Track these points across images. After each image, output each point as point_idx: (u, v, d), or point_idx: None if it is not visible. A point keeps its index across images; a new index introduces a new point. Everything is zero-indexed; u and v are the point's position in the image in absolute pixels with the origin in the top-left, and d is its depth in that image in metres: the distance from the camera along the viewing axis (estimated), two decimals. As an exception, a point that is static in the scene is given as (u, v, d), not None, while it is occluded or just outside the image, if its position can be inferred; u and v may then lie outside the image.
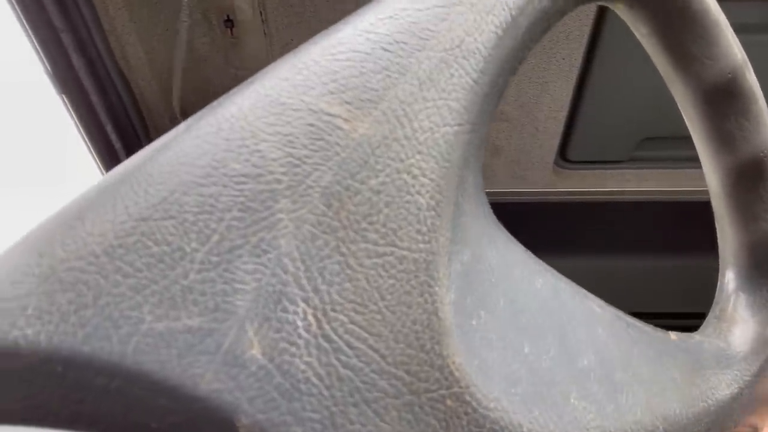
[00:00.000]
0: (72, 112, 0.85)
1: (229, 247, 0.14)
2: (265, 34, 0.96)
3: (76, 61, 0.80)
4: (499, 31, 0.18)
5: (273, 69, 0.18)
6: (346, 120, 0.16)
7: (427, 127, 0.17)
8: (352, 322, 0.14)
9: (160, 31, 0.89)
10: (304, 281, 0.14)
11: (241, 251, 0.14)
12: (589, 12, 0.92)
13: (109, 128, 0.89)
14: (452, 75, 0.17)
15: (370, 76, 0.17)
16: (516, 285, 0.20)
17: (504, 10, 0.18)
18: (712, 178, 0.24)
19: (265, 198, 0.15)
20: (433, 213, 0.16)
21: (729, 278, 0.25)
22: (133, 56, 0.86)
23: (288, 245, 0.14)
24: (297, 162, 0.15)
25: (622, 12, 0.23)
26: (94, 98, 0.85)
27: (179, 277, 0.13)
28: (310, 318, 0.14)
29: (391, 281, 0.15)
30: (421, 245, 0.16)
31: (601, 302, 0.21)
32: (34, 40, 0.76)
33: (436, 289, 0.16)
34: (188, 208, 0.14)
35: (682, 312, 1.30)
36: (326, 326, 0.14)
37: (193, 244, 0.14)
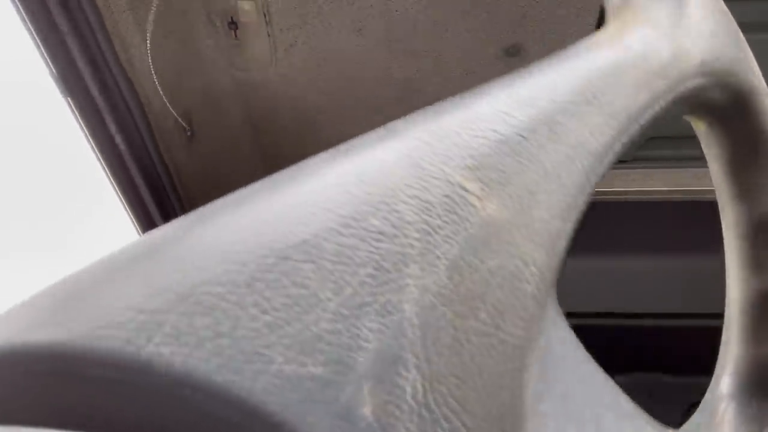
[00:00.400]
0: (76, 114, 0.85)
1: (359, 302, 0.14)
2: (268, 36, 0.96)
3: (81, 63, 0.81)
4: (618, 135, 0.20)
5: (409, 127, 0.18)
6: (478, 197, 0.16)
7: (544, 217, 0.17)
8: (452, 396, 0.15)
9: (164, 33, 0.89)
10: (419, 348, 0.15)
11: (368, 309, 0.14)
12: (592, 11, 0.91)
13: (113, 130, 0.89)
14: (572, 172, 0.18)
15: (504, 159, 0.17)
16: (570, 374, 0.20)
17: (626, 116, 0.20)
18: (735, 294, 0.24)
19: (398, 260, 0.15)
20: (534, 302, 0.17)
21: (724, 383, 0.25)
22: (137, 58, 0.86)
23: (410, 311, 0.15)
24: (430, 230, 0.16)
25: (699, 130, 0.24)
26: (99, 100, 0.85)
27: (311, 324, 0.14)
28: (419, 386, 0.14)
29: (490, 361, 0.16)
30: (521, 332, 0.16)
31: (628, 400, 0.22)
32: (39, 43, 0.76)
33: (525, 375, 0.16)
34: (327, 255, 0.15)
35: (687, 312, 1.30)
36: (429, 396, 0.14)
37: (328, 293, 0.14)
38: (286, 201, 0.16)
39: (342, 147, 0.18)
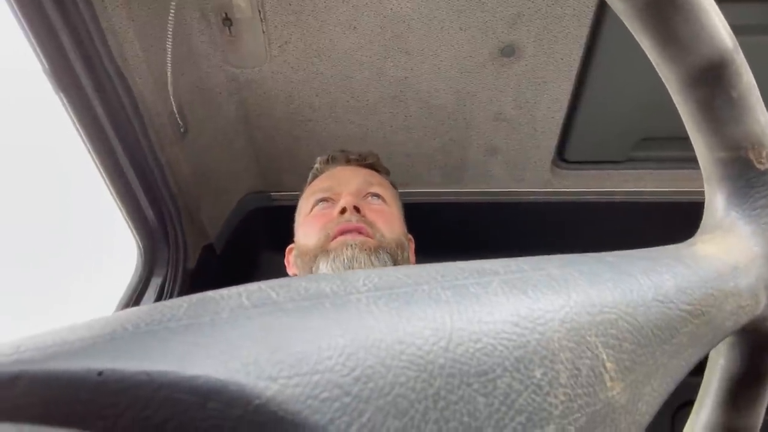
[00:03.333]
0: (69, 110, 0.85)
1: None
2: (263, 32, 0.96)
3: (74, 59, 0.80)
4: (708, 348, 0.22)
5: (570, 284, 0.19)
6: (611, 378, 0.18)
7: (644, 410, 0.19)
8: None
9: (158, 29, 0.89)
10: None
11: None
12: (587, 12, 0.92)
13: (106, 126, 0.89)
14: (676, 370, 0.20)
15: (636, 349, 0.19)
16: None
17: (720, 335, 0.22)
18: (671, 82, 0.24)
19: (543, 417, 0.16)
20: None
21: (719, 198, 0.25)
22: (131, 54, 0.86)
23: None
24: (573, 396, 0.17)
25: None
26: (92, 96, 0.85)
27: None
28: None
29: None
30: None
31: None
32: (32, 38, 0.76)
33: None
34: (498, 394, 0.16)
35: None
36: None
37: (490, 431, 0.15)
38: (469, 319, 0.17)
39: (503, 271, 0.19)
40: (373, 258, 0.82)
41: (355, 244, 0.82)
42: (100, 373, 0.13)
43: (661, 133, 1.11)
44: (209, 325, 0.15)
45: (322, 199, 0.93)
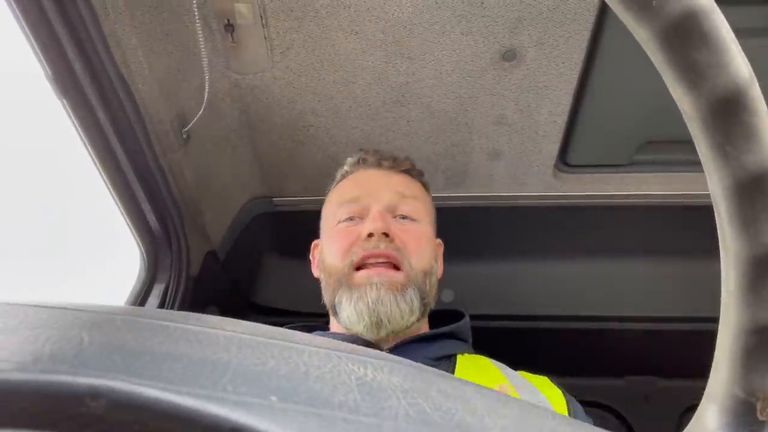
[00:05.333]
0: (72, 117, 0.85)
1: None
2: (265, 38, 0.96)
3: (77, 65, 0.80)
4: None
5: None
6: None
7: None
8: None
9: (160, 36, 0.89)
10: None
11: None
12: (588, 16, 0.92)
13: (109, 133, 0.89)
14: None
15: None
16: None
17: None
18: (728, 324, 0.24)
19: None
20: None
21: (710, 416, 0.24)
22: (133, 61, 0.86)
23: None
24: None
25: None
26: (95, 102, 0.85)
27: None
28: None
29: None
30: None
31: None
32: (35, 44, 0.76)
33: None
34: None
35: (682, 316, 1.30)
36: None
37: None
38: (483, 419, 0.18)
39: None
40: (399, 299, 0.80)
41: (381, 284, 0.80)
42: None
43: (665, 137, 1.11)
44: None
45: (350, 217, 0.90)
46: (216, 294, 1.20)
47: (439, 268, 0.94)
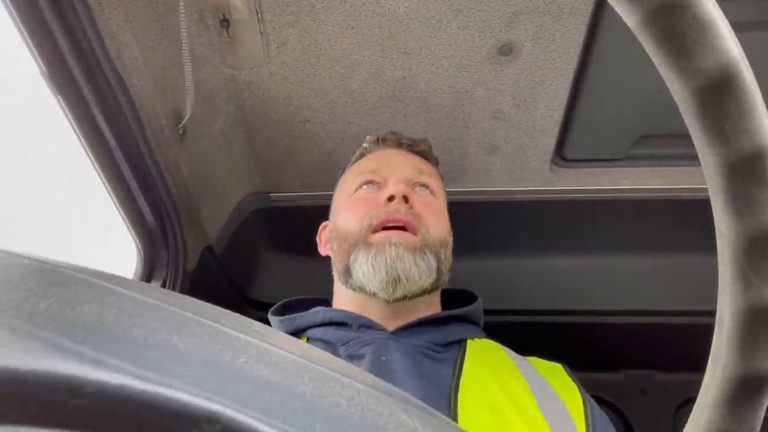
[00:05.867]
0: (67, 113, 0.85)
1: None
2: (261, 33, 0.96)
3: (71, 61, 0.80)
4: None
5: None
6: None
7: None
8: None
9: (155, 31, 0.89)
10: None
11: None
12: (585, 10, 0.92)
13: (104, 128, 0.89)
14: None
15: None
16: None
17: None
18: (726, 307, 0.23)
19: None
20: None
21: (711, 399, 0.24)
22: (128, 56, 0.86)
23: None
24: None
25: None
26: (90, 98, 0.85)
27: None
28: None
29: None
30: None
31: None
32: (29, 40, 0.76)
33: None
34: None
35: (679, 310, 1.30)
36: None
37: None
38: None
39: None
40: (417, 259, 0.79)
41: (400, 243, 0.78)
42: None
43: (660, 131, 1.11)
44: None
45: (369, 181, 0.89)
46: (213, 289, 1.20)
47: (450, 256, 0.93)
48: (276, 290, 1.36)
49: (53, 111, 0.84)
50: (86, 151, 0.90)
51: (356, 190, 0.90)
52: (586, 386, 0.81)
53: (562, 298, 1.34)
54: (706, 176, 0.22)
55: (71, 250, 1.20)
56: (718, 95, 0.20)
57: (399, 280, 0.78)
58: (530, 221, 1.29)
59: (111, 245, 1.15)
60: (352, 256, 0.81)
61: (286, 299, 0.94)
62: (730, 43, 0.20)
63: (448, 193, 1.04)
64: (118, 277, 0.19)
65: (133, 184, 0.96)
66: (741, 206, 0.20)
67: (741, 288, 0.21)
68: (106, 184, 0.95)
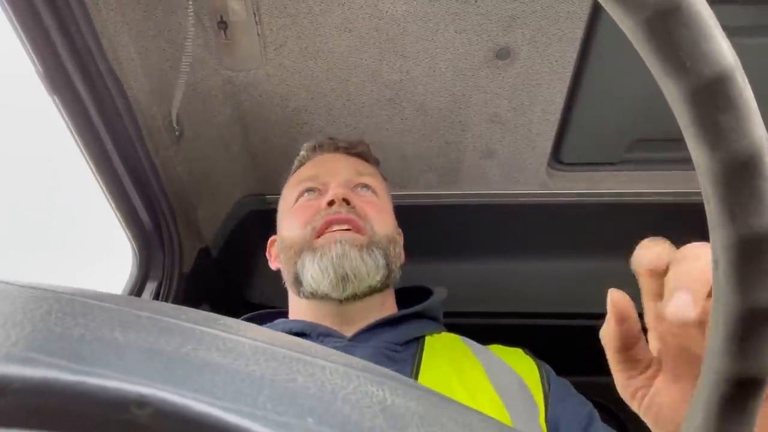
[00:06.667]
0: (63, 113, 0.85)
1: None
2: (258, 35, 0.96)
3: (68, 61, 0.80)
4: None
5: None
6: None
7: None
8: None
9: (152, 32, 0.89)
10: None
11: None
12: (581, 14, 0.92)
13: (101, 129, 0.89)
14: None
15: None
16: None
17: None
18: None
19: None
20: None
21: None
22: (125, 57, 0.86)
23: None
24: None
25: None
26: (86, 98, 0.84)
27: None
28: None
29: None
30: None
31: None
32: (25, 40, 0.75)
33: None
34: None
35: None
36: None
37: None
38: None
39: None
40: (364, 255, 0.78)
41: (345, 240, 0.78)
42: None
43: (655, 135, 1.12)
44: None
45: (309, 189, 0.89)
46: (209, 291, 1.20)
47: (401, 252, 0.92)
48: (271, 292, 1.36)
49: (49, 111, 0.84)
50: (82, 152, 0.90)
51: (297, 198, 0.90)
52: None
53: (558, 301, 1.34)
54: (675, 112, 0.22)
55: (66, 252, 1.20)
56: (669, 23, 0.20)
57: (347, 277, 0.77)
58: (526, 224, 1.29)
59: (106, 247, 1.15)
60: (298, 263, 0.81)
61: (253, 312, 0.94)
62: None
63: (445, 196, 1.05)
64: (79, 289, 0.19)
65: (129, 186, 0.96)
66: (712, 136, 0.20)
67: (728, 221, 0.21)
68: (102, 185, 0.94)
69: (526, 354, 0.84)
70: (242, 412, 0.14)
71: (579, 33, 0.95)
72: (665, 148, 1.12)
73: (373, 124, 1.12)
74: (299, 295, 0.84)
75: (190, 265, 1.12)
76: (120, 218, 1.00)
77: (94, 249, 1.23)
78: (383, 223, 0.86)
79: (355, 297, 0.80)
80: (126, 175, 0.94)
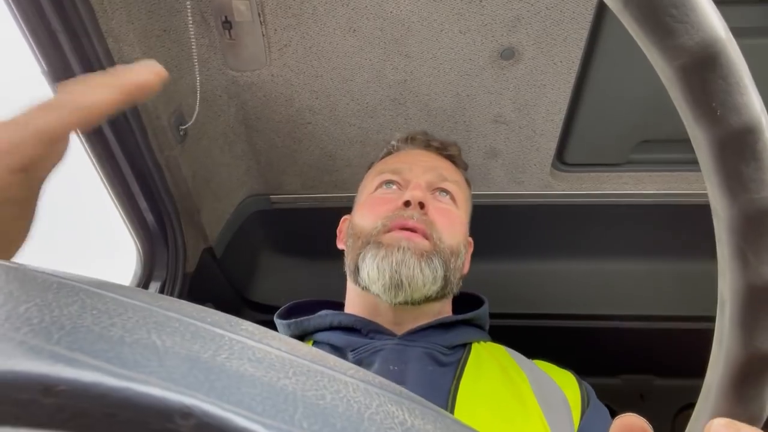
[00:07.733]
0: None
1: None
2: (263, 35, 0.96)
3: (74, 62, 0.80)
4: None
5: None
6: None
7: None
8: None
9: (158, 32, 0.89)
10: None
11: None
12: (586, 15, 0.92)
13: (106, 129, 0.89)
14: None
15: None
16: None
17: None
18: (726, 290, 0.23)
19: None
20: None
21: (714, 383, 0.24)
22: (130, 57, 0.86)
23: None
24: None
25: None
26: (91, 99, 0.85)
27: None
28: None
29: None
30: None
31: None
32: (31, 41, 0.76)
33: None
34: None
35: (678, 315, 1.30)
36: None
37: None
38: None
39: None
40: (423, 264, 0.78)
41: (408, 248, 0.78)
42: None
43: (661, 136, 1.11)
44: None
45: (389, 181, 0.89)
46: (212, 291, 1.20)
47: (466, 263, 0.92)
48: (275, 292, 1.36)
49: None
50: (86, 151, 0.90)
51: (376, 188, 0.90)
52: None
53: (562, 302, 1.33)
54: (698, 156, 0.22)
55: (70, 251, 1.20)
56: (704, 72, 0.20)
57: (401, 284, 0.77)
58: (530, 225, 1.29)
59: (111, 246, 1.15)
60: (361, 255, 0.82)
61: (292, 302, 0.94)
62: (713, 20, 0.20)
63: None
64: (104, 281, 0.19)
65: (134, 185, 0.96)
66: (734, 185, 0.20)
67: (739, 268, 0.21)
68: (107, 184, 0.95)
69: (572, 374, 0.83)
70: (282, 430, 0.14)
71: (584, 34, 0.94)
72: (670, 149, 1.12)
73: (377, 124, 1.12)
74: (355, 283, 0.84)
75: (193, 264, 1.12)
76: (124, 218, 1.00)
77: (98, 248, 1.23)
78: (452, 233, 0.85)
79: (407, 303, 0.80)
80: (131, 175, 0.95)
